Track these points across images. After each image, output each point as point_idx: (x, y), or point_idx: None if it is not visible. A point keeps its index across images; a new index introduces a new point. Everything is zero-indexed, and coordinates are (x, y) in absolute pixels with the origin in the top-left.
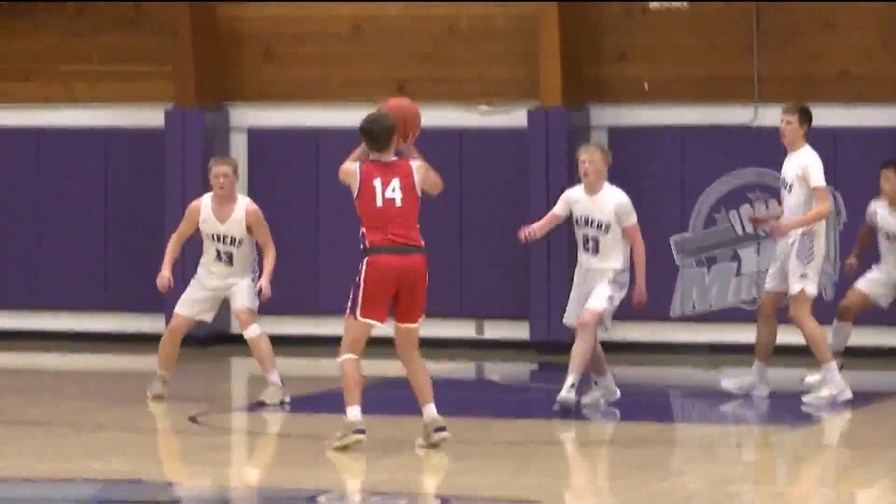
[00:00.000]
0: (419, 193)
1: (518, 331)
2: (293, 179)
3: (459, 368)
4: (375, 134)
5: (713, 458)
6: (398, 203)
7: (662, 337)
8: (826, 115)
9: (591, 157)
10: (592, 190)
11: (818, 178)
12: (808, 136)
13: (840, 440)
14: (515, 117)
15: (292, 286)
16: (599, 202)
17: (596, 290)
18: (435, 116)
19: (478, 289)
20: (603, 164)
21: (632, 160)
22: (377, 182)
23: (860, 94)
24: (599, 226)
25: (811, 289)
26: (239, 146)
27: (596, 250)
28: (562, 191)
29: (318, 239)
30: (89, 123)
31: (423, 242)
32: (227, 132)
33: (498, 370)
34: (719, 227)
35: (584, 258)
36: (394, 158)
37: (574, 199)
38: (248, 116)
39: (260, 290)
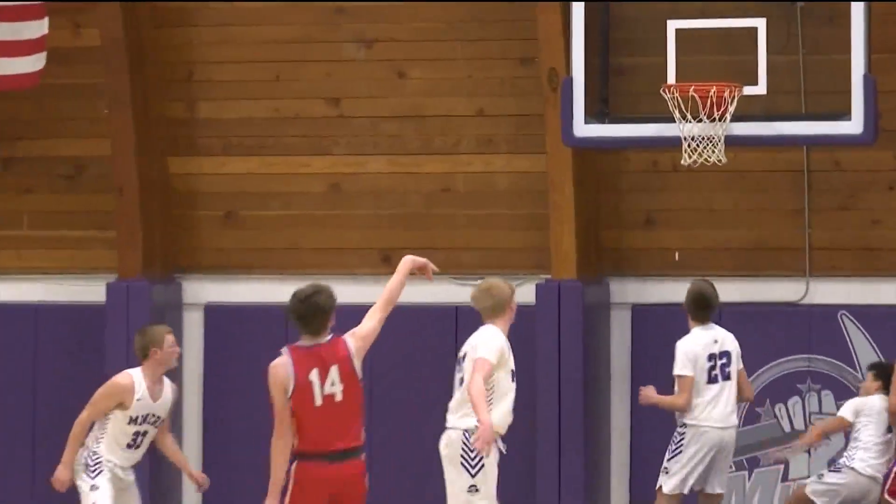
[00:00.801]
0: (360, 376)
1: None
2: (256, 362)
3: None
4: (306, 314)
5: None
6: (338, 397)
7: None
8: (889, 292)
9: None
10: None
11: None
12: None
13: None
14: (522, 292)
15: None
16: None
17: None
18: (426, 291)
19: None
20: None
21: (658, 342)
22: (314, 376)
23: None
24: None
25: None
26: (193, 324)
27: None
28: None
29: None
30: (15, 298)
31: (363, 439)
32: (179, 308)
33: None
34: (763, 423)
35: None
36: (327, 339)
37: None
38: (205, 290)
39: (199, 483)
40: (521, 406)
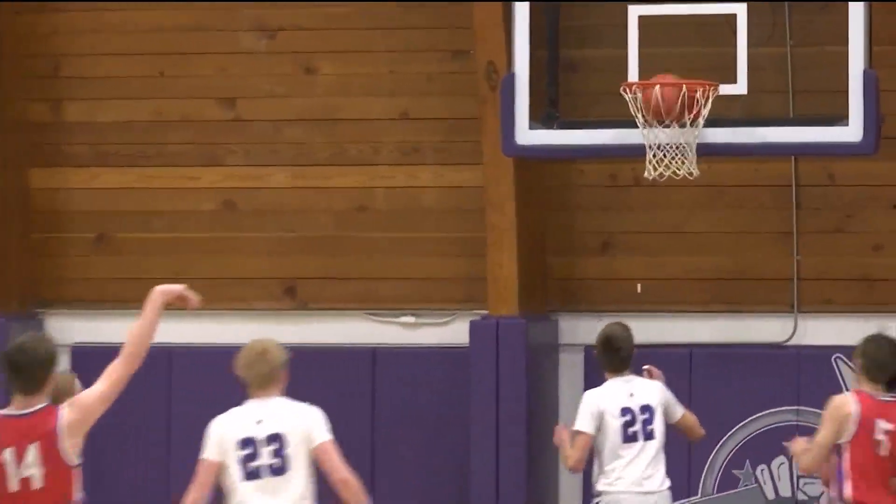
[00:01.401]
0: (75, 461)
1: None
2: (137, 409)
3: None
4: (20, 366)
5: None
6: (36, 483)
7: None
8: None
9: None
10: None
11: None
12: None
13: None
14: (454, 330)
15: None
16: None
17: None
18: (338, 330)
19: None
20: None
21: None
22: (8, 454)
23: None
24: None
25: None
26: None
27: None
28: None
29: (168, 474)
30: None
31: None
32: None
33: None
34: (741, 488)
35: None
36: (37, 408)
37: None
38: (72, 328)
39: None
40: (453, 462)
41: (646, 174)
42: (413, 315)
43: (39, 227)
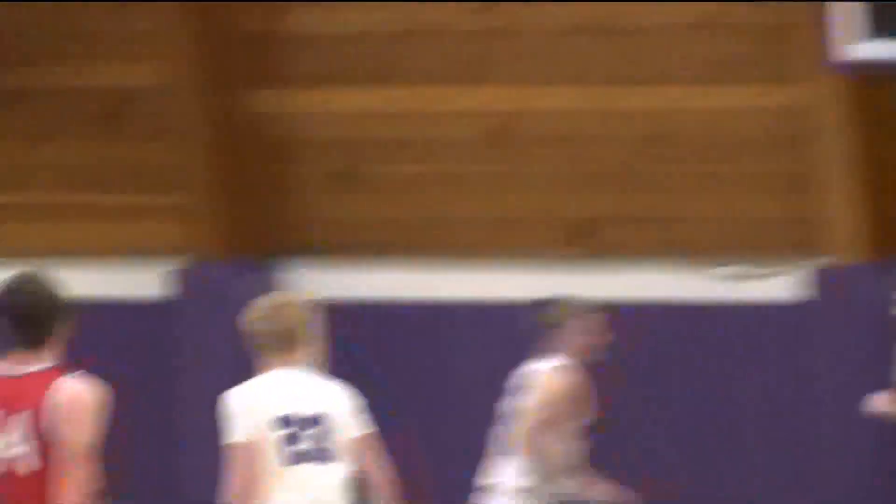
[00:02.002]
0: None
1: None
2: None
3: None
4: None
5: None
6: (21, 467)
7: None
8: None
9: None
10: None
11: None
12: None
13: None
14: (787, 282)
15: None
16: None
17: None
18: (635, 281)
19: None
20: None
21: None
22: None
23: None
24: None
25: None
26: None
27: None
28: None
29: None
30: None
31: None
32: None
33: None
34: None
35: None
36: (33, 370)
37: None
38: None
39: None
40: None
41: None
42: (726, 264)
43: (267, 158)
